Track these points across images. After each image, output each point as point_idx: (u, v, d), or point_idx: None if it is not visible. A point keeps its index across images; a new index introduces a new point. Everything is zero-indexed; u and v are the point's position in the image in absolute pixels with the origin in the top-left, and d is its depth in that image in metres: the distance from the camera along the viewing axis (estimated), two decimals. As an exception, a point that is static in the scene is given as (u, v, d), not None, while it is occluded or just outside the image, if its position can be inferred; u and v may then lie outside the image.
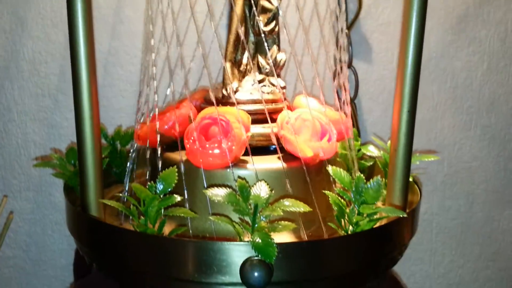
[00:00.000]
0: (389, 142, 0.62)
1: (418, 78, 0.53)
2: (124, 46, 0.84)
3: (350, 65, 0.84)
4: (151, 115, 0.58)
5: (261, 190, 0.45)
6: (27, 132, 0.86)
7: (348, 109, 0.62)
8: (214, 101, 0.53)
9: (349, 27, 0.83)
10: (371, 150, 0.69)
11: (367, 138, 0.89)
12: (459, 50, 0.87)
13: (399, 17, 0.85)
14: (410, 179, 0.60)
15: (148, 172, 0.55)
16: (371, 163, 0.71)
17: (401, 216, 0.46)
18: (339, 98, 0.60)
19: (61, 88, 0.84)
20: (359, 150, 0.71)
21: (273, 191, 0.45)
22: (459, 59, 0.88)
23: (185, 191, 0.50)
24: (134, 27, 0.83)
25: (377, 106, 0.89)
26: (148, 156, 0.55)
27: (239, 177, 0.49)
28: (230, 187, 0.46)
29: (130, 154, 0.60)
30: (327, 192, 0.48)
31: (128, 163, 0.60)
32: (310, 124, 0.54)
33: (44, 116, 0.85)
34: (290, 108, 0.59)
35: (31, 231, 0.89)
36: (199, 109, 0.63)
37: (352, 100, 0.86)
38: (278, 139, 0.55)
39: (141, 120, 0.60)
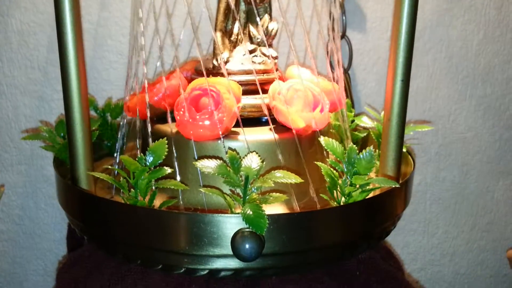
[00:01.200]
0: (382, 112, 0.62)
1: (412, 47, 0.52)
2: (113, 17, 0.82)
3: (343, 36, 0.83)
4: (140, 86, 0.57)
5: (252, 161, 0.44)
6: (17, 106, 0.85)
7: (341, 80, 0.61)
8: (204, 72, 0.52)
9: (343, -4, 0.82)
10: (365, 121, 0.68)
11: (361, 109, 0.88)
12: (455, 18, 0.86)
13: (394, -15, 0.83)
14: (404, 150, 0.59)
15: (138, 145, 0.55)
16: (365, 134, 0.71)
17: (393, 186, 0.46)
18: (332, 68, 0.59)
19: (51, 59, 0.83)
20: (352, 121, 0.70)
21: (264, 163, 0.44)
22: (454, 27, 0.86)
23: (176, 163, 0.49)
24: (124, -3, 0.81)
25: (372, 76, 0.88)
26: (138, 128, 0.54)
27: (229, 148, 0.48)
28: (221, 158, 0.45)
29: (120, 127, 0.59)
30: (319, 163, 0.48)
31: (119, 135, 0.60)
32: (302, 95, 0.53)
33: (34, 88, 0.84)
34: (282, 78, 0.58)
35: (24, 204, 0.89)
36: (190, 80, 0.62)
37: (346, 71, 0.85)
38: (270, 110, 0.54)
39: (131, 92, 0.59)
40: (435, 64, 0.88)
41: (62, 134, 0.61)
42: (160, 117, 0.57)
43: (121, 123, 0.59)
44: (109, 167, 0.56)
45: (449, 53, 0.87)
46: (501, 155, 0.93)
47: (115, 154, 0.59)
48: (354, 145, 0.47)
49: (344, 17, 0.83)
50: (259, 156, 0.45)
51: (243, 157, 0.45)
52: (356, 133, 0.71)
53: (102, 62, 0.84)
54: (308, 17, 0.72)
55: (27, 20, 0.81)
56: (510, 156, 0.93)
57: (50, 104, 0.85)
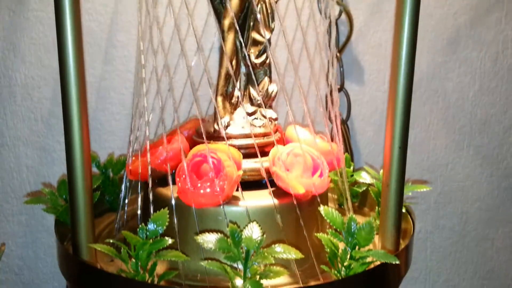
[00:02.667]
0: (381, 171, 0.62)
1: (409, 115, 0.53)
2: (116, 70, 0.84)
3: (342, 88, 0.84)
4: (142, 147, 0.58)
5: (253, 231, 0.45)
6: (19, 156, 0.86)
7: (340, 136, 0.62)
8: (205, 136, 0.53)
9: (341, 50, 0.84)
10: (364, 177, 0.69)
11: (360, 159, 0.90)
12: (451, 71, 0.88)
13: (390, 39, 0.85)
14: (403, 210, 0.60)
15: (139, 208, 0.55)
16: (364, 188, 0.72)
17: (393, 262, 0.46)
18: (331, 121, 0.60)
19: (54, 112, 0.84)
20: (352, 175, 0.71)
21: (264, 235, 0.45)
22: (450, 80, 0.88)
23: (176, 229, 0.50)
24: (127, 51, 0.83)
25: (370, 126, 0.89)
26: (140, 191, 0.55)
27: (230, 221, 0.49)
28: (222, 232, 0.46)
29: (121, 188, 0.60)
30: (319, 235, 0.48)
31: (121, 195, 0.60)
32: (301, 160, 0.54)
33: (37, 140, 0.85)
34: (282, 141, 0.59)
35: (23, 254, 0.89)
36: (191, 140, 0.63)
37: (345, 122, 0.86)
38: (270, 173, 0.55)
39: (133, 153, 0.60)
40: (432, 115, 0.89)
41: (64, 196, 0.62)
42: (161, 178, 0.57)
43: (122, 186, 0.60)
44: (111, 231, 0.56)
45: (446, 104, 0.89)
46: (500, 203, 0.94)
47: (116, 214, 0.59)
48: (353, 215, 0.48)
49: (342, 70, 0.85)
50: (259, 226, 0.46)
51: (244, 227, 0.46)
52: (355, 188, 0.71)
53: (104, 113, 0.85)
54: (306, 79, 0.73)
55: (31, 74, 0.83)
56: (508, 204, 0.94)
57: (52, 154, 0.86)
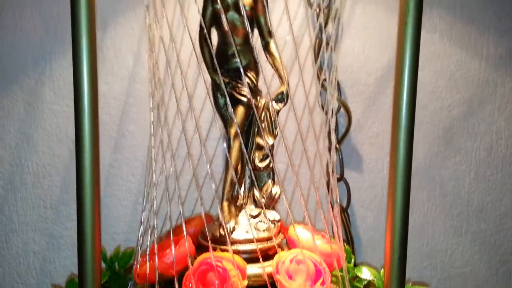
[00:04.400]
0: (382, 270, 0.64)
1: (407, 228, 0.55)
2: (125, 159, 0.87)
3: (341, 178, 0.88)
4: (149, 249, 0.61)
5: None
6: (27, 242, 0.88)
7: (340, 240, 0.64)
8: (210, 242, 0.56)
9: (340, 141, 0.87)
10: (364, 273, 0.71)
11: (361, 245, 0.91)
12: (446, 160, 0.91)
13: (387, 129, 0.89)
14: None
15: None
16: (365, 283, 0.73)
17: None
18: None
19: (63, 199, 0.87)
20: (353, 268, 0.73)
21: None
22: (446, 168, 0.91)
23: None
24: (136, 140, 0.87)
25: (369, 212, 0.92)
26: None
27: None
28: None
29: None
30: None
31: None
32: (304, 267, 0.56)
33: (45, 226, 0.87)
34: (282, 247, 0.62)
35: None
36: (196, 238, 0.65)
37: (345, 210, 0.89)
38: (273, 278, 0.57)
39: (140, 255, 0.62)
40: (430, 201, 0.92)
41: (73, 296, 0.64)
42: (168, 281, 0.59)
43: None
44: None
45: (443, 191, 0.92)
46: (500, 289, 0.95)
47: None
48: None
49: (341, 160, 0.88)
50: None
51: None
52: (355, 283, 0.73)
53: (112, 200, 0.88)
54: (306, 181, 0.77)
55: (43, 163, 0.86)
56: (508, 289, 0.95)
57: (59, 240, 0.88)
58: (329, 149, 0.63)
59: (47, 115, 0.85)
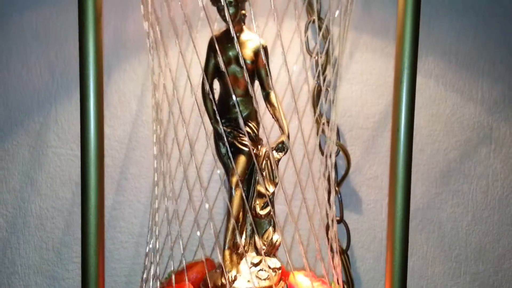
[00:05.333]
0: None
1: (406, 271, 0.57)
2: (127, 201, 0.89)
3: (341, 220, 0.89)
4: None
5: None
6: (29, 284, 0.88)
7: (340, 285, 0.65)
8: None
9: (339, 183, 0.89)
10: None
11: (361, 286, 0.92)
12: (444, 202, 0.92)
13: (385, 172, 0.91)
14: None
15: None
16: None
17: None
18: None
19: (64, 241, 0.88)
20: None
21: None
22: (444, 210, 0.93)
23: None
24: (138, 183, 0.88)
25: (369, 254, 0.92)
26: None
27: None
28: None
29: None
30: None
31: None
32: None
33: (47, 268, 0.88)
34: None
35: None
36: (197, 286, 0.66)
37: (345, 252, 0.90)
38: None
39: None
40: (429, 243, 0.93)
41: None
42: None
43: None
44: None
45: (441, 233, 0.93)
46: (500, 330, 0.95)
47: None
48: None
49: (340, 202, 0.89)
50: None
51: None
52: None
53: (113, 242, 0.89)
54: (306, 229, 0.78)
55: (46, 206, 0.87)
56: (508, 331, 0.95)
57: (61, 282, 0.88)
58: (328, 201, 0.65)
59: (51, 159, 0.87)
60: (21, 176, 0.87)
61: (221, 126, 0.64)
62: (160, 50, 0.66)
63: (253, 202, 0.66)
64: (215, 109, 0.64)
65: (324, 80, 0.80)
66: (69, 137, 0.87)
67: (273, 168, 0.66)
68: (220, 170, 0.68)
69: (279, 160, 0.67)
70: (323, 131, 0.83)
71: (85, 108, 0.55)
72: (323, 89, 0.76)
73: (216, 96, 0.69)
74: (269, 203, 0.66)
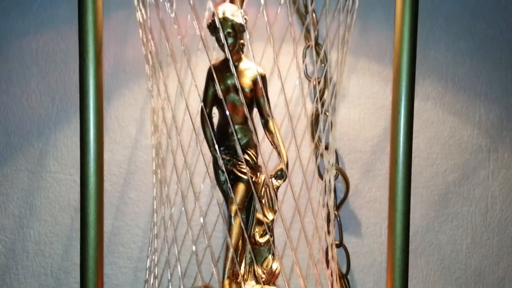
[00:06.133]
0: None
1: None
2: (126, 226, 0.88)
3: (340, 244, 0.88)
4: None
5: None
6: (27, 310, 0.88)
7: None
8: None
9: (338, 207, 0.89)
10: None
11: (361, 310, 0.92)
12: (443, 225, 0.92)
13: (384, 195, 0.91)
14: None
15: None
16: None
17: None
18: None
19: (63, 266, 0.87)
20: None
21: None
22: (444, 233, 0.93)
23: None
24: (137, 208, 0.88)
25: (369, 277, 0.92)
26: None
27: None
28: None
29: None
30: None
31: None
32: None
33: (45, 294, 0.88)
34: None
35: None
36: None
37: (345, 276, 0.89)
38: None
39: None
40: (429, 266, 0.93)
41: None
42: None
43: None
44: None
45: (441, 256, 0.93)
46: None
47: None
48: None
49: (340, 226, 0.89)
50: None
51: None
52: None
53: (112, 267, 0.88)
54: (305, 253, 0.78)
55: (44, 231, 0.87)
56: None
57: (59, 308, 0.88)
58: (328, 228, 0.65)
59: (50, 184, 0.87)
60: (20, 201, 0.87)
61: (219, 154, 0.64)
62: (159, 80, 0.67)
63: (252, 230, 0.66)
64: (214, 136, 0.64)
65: (322, 104, 0.80)
66: (68, 162, 0.87)
67: (273, 194, 0.66)
68: (218, 197, 0.68)
69: (278, 187, 0.67)
70: (321, 155, 0.83)
71: (84, 134, 0.56)
72: (321, 113, 0.77)
73: (215, 121, 0.69)
74: (268, 231, 0.65)
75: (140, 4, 0.67)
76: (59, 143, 0.87)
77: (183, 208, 0.71)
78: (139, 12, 0.67)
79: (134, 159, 0.88)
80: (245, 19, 0.64)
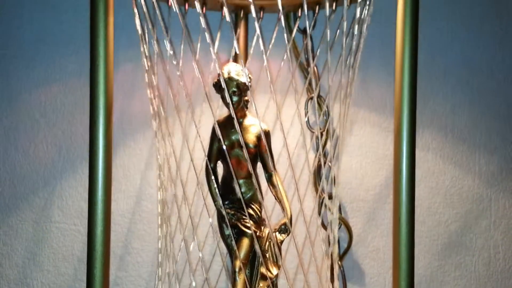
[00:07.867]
0: None
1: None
2: (129, 276, 0.88)
3: (344, 295, 0.88)
4: None
5: None
6: None
7: None
8: None
9: (342, 257, 0.89)
10: None
11: None
12: (447, 274, 0.92)
13: (387, 244, 0.91)
14: None
15: None
16: None
17: None
18: None
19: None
20: None
21: None
22: (447, 283, 0.92)
23: None
24: (140, 257, 0.88)
25: (374, 328, 0.91)
26: None
27: None
28: None
29: None
30: None
31: None
32: None
33: None
34: None
35: None
36: None
37: (349, 327, 0.88)
38: None
39: None
40: (433, 317, 0.92)
41: None
42: None
43: None
44: None
45: (445, 307, 0.92)
46: None
47: None
48: None
49: (343, 276, 0.89)
50: None
51: None
52: None
53: (114, 318, 0.88)
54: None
55: (47, 282, 0.87)
56: None
57: None
58: (332, 280, 0.65)
59: (54, 234, 0.87)
60: (24, 251, 0.87)
61: (224, 209, 0.65)
62: (165, 136, 0.68)
63: (256, 285, 0.66)
64: (218, 191, 0.66)
65: (324, 155, 0.82)
66: (73, 212, 0.88)
67: (277, 249, 0.66)
68: (222, 252, 0.68)
69: (282, 241, 0.68)
70: (325, 205, 0.84)
71: (93, 185, 0.57)
72: (323, 164, 0.78)
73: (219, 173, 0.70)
74: (272, 286, 0.66)
75: (148, 61, 0.69)
76: (64, 193, 0.88)
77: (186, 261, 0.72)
78: (145, 67, 0.69)
79: (138, 208, 0.89)
80: (249, 77, 0.66)
